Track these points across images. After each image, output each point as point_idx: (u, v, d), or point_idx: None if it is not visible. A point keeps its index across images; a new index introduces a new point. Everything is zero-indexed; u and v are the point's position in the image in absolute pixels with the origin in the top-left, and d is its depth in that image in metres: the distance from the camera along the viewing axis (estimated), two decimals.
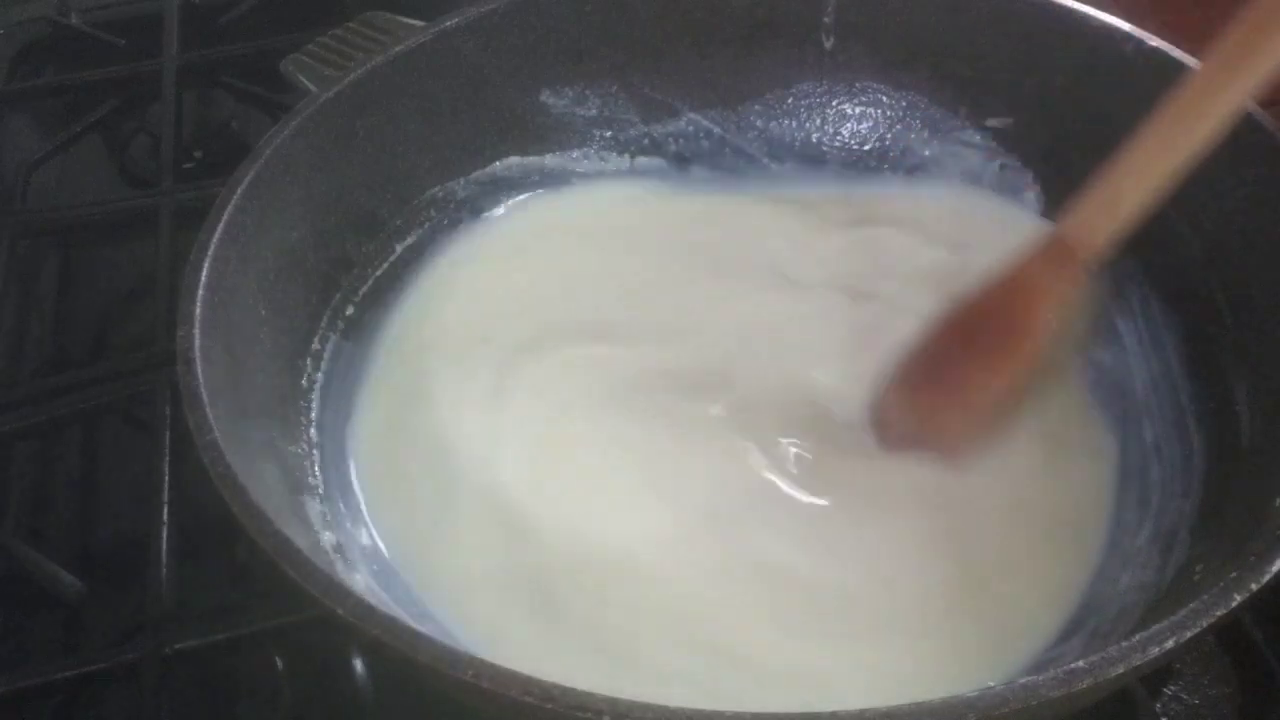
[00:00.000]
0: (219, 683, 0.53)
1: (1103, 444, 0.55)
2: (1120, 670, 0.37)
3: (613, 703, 0.35)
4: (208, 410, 0.44)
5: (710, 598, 0.49)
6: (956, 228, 0.62)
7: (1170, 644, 0.37)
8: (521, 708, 0.36)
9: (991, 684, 0.41)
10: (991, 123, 0.62)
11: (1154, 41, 0.55)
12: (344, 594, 0.39)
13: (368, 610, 0.38)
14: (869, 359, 0.56)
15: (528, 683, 0.36)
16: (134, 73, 0.83)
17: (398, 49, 0.58)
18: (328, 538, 0.49)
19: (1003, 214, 0.62)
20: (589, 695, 0.35)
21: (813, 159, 0.65)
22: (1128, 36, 0.56)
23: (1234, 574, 0.39)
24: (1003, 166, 0.61)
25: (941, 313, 0.54)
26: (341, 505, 0.52)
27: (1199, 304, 0.54)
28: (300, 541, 0.41)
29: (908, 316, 0.56)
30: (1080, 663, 0.37)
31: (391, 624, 0.38)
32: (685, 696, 0.41)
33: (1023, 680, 0.36)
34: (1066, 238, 0.52)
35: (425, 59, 0.59)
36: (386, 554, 0.52)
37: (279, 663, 0.52)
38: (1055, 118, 0.56)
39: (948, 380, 0.53)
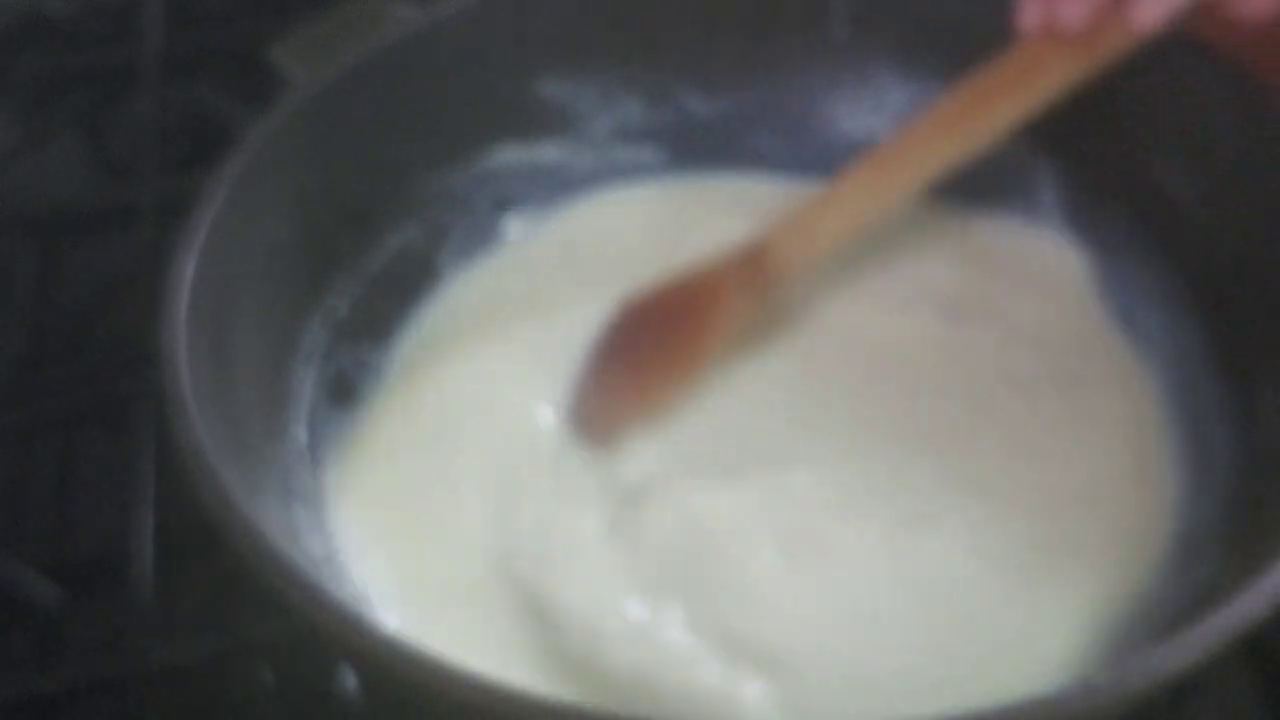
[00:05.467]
0: (204, 698, 0.52)
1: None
2: (1143, 684, 0.35)
3: None
4: (191, 413, 0.42)
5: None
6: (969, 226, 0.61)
7: (1198, 656, 0.36)
8: None
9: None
10: None
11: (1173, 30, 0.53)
12: (340, 608, 0.38)
13: (361, 625, 0.37)
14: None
15: (540, 705, 0.35)
16: (114, 61, 0.81)
17: (391, 37, 0.57)
18: (315, 546, 0.48)
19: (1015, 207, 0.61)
20: (610, 715, 0.35)
21: (823, 151, 0.63)
22: None
23: (1265, 582, 0.38)
24: (1017, 156, 0.59)
25: (630, 299, 0.56)
26: (330, 513, 0.51)
27: (1223, 301, 0.53)
28: (290, 551, 0.40)
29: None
30: (1100, 677, 0.36)
31: (384, 640, 0.37)
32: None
33: (1039, 696, 0.36)
34: (763, 251, 0.55)
35: (419, 47, 0.58)
36: (374, 565, 0.50)
37: (266, 676, 0.51)
38: (1073, 107, 0.54)
39: (625, 371, 0.55)
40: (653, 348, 0.55)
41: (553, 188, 0.63)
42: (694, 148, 0.64)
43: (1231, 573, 0.44)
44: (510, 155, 0.62)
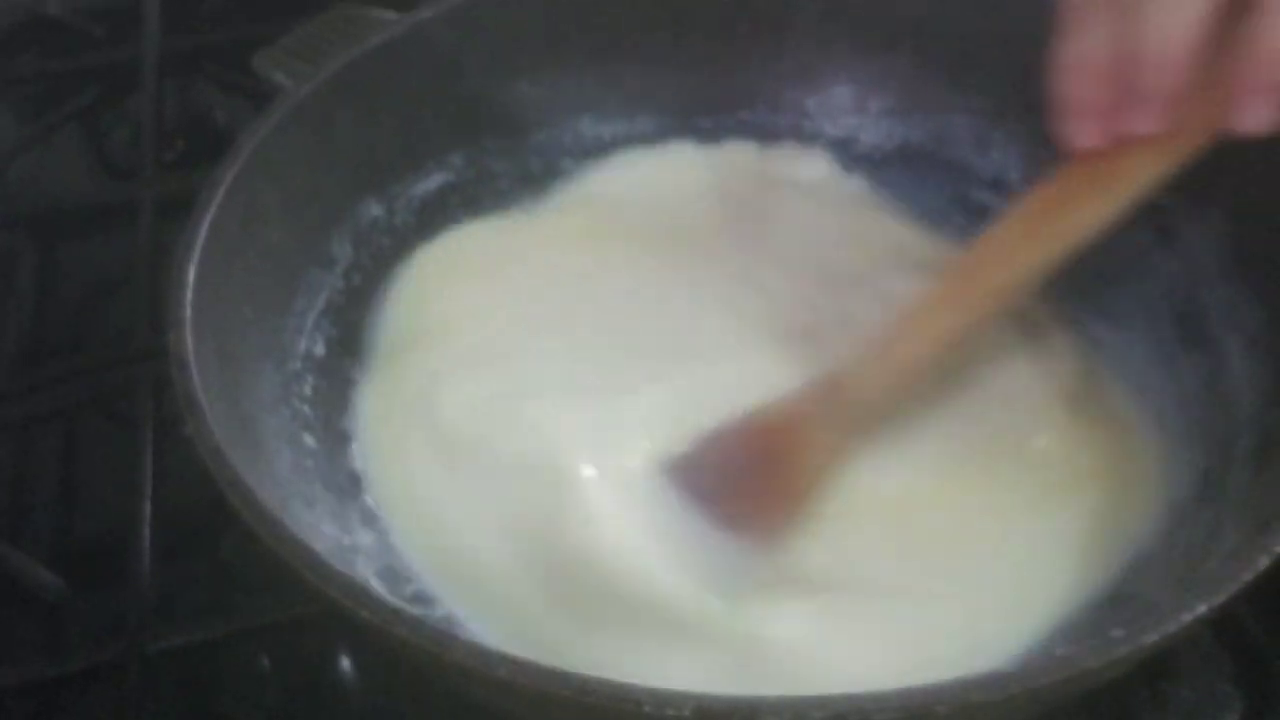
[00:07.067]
0: (203, 682, 0.53)
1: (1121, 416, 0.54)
2: (1155, 638, 0.37)
3: (652, 693, 0.35)
4: (208, 414, 0.43)
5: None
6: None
7: (1203, 609, 0.37)
8: (558, 702, 0.36)
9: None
10: (976, 104, 0.60)
11: None
12: (367, 596, 0.38)
13: (392, 612, 0.38)
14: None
15: (565, 677, 0.35)
16: (114, 61, 0.82)
17: (373, 41, 0.58)
18: (329, 532, 0.49)
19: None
20: (628, 686, 0.35)
21: (799, 144, 0.65)
22: None
23: (1260, 539, 0.39)
24: (987, 147, 0.60)
25: (701, 443, 0.52)
26: (341, 500, 0.52)
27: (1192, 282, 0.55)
28: (314, 542, 0.41)
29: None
30: (1117, 632, 0.37)
31: (418, 624, 0.38)
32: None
33: (1061, 651, 0.37)
34: (842, 382, 0.51)
35: (401, 51, 0.58)
36: (389, 544, 0.51)
37: (264, 661, 0.52)
38: (1042, 97, 0.55)
39: (719, 502, 0.51)
40: (737, 486, 0.51)
41: (537, 184, 0.64)
42: (672, 139, 0.65)
43: (1220, 532, 0.46)
44: (493, 155, 0.63)
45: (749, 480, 0.51)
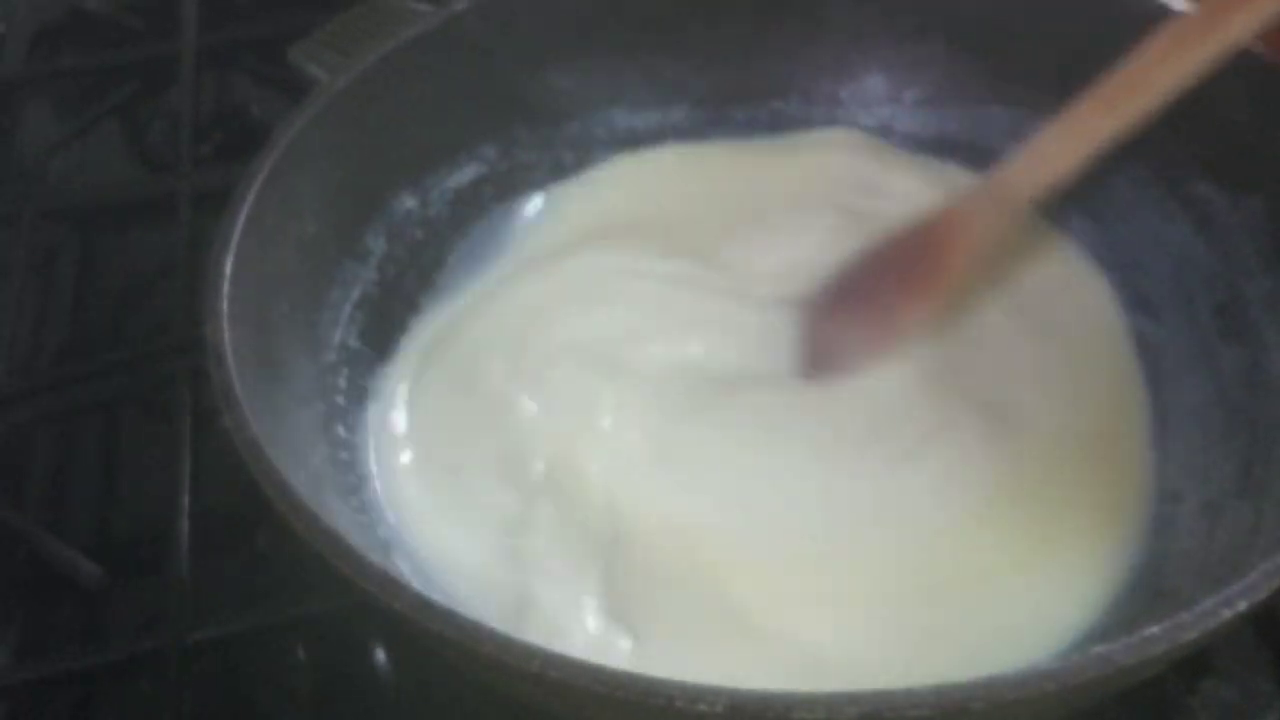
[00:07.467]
0: (240, 672, 0.53)
1: (1136, 409, 0.54)
2: (1194, 635, 0.36)
3: (684, 688, 0.35)
4: (244, 406, 0.43)
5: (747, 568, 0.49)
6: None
7: (1243, 606, 0.37)
8: (590, 697, 0.36)
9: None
10: (1012, 95, 0.60)
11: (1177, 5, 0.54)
12: (400, 589, 0.39)
13: (424, 604, 0.38)
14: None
15: (597, 671, 0.36)
16: (152, 55, 0.83)
17: (407, 34, 0.58)
18: (363, 524, 0.50)
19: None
20: (661, 681, 0.35)
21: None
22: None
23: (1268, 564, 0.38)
24: (1025, 139, 0.59)
25: (873, 241, 0.57)
26: (372, 494, 0.52)
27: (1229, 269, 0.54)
28: (348, 535, 0.41)
29: None
30: (1154, 629, 0.36)
31: (451, 618, 0.38)
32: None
33: (1098, 649, 0.36)
34: (1001, 183, 0.55)
35: (434, 43, 0.59)
36: (415, 542, 0.51)
37: (300, 652, 0.52)
38: (1075, 88, 0.54)
39: (871, 304, 0.57)
40: (896, 280, 0.57)
41: (567, 172, 0.64)
42: (705, 133, 0.65)
43: (1257, 528, 0.45)
44: (525, 147, 0.63)
45: (911, 263, 0.56)
